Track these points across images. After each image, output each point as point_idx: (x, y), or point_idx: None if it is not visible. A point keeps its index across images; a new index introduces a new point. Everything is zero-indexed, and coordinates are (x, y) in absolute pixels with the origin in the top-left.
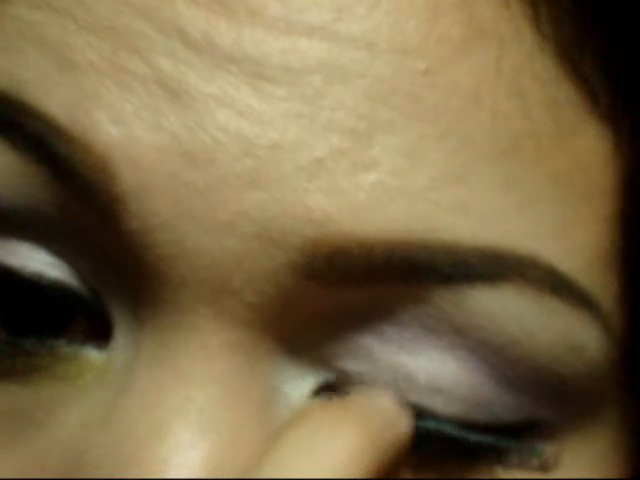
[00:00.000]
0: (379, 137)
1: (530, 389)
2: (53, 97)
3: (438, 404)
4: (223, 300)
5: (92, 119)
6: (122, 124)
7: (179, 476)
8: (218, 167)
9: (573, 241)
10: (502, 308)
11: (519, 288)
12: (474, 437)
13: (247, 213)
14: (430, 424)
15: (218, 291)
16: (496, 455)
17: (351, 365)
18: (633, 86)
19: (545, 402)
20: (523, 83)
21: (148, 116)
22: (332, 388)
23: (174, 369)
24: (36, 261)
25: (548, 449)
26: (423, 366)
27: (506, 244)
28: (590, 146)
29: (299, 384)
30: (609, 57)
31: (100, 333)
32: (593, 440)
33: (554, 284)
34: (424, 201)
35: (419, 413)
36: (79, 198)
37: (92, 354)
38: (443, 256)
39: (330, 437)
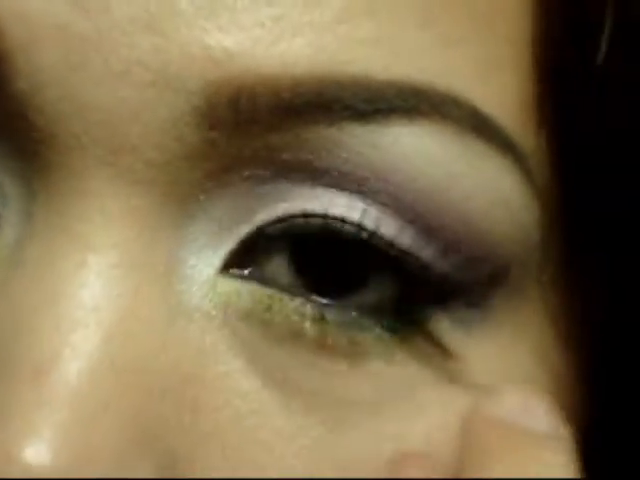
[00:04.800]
0: None
1: (458, 245)
2: None
3: None
4: (121, 159)
5: None
6: None
7: (75, 337)
8: (110, 13)
9: (497, 84)
10: (421, 147)
11: (439, 126)
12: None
13: (142, 59)
14: None
15: (115, 149)
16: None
17: (265, 220)
18: None
19: (471, 264)
20: None
21: None
22: (240, 257)
23: (69, 235)
24: None
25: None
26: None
27: (424, 79)
28: None
29: (209, 257)
30: None
31: None
32: (517, 324)
33: (477, 125)
34: (332, 34)
35: None
36: None
37: None
38: (355, 90)
39: None
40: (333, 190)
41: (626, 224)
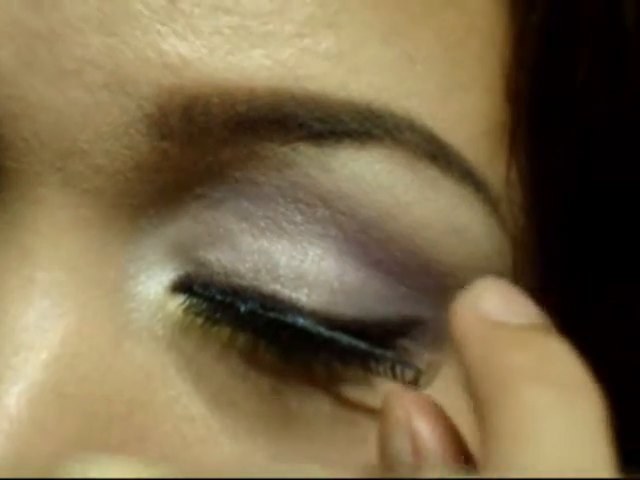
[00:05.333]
0: None
1: (406, 277)
2: None
3: (302, 294)
4: (70, 164)
5: None
6: None
7: (17, 360)
8: (63, 10)
9: (462, 107)
10: (371, 173)
11: (391, 152)
12: (344, 339)
13: (94, 60)
14: (297, 321)
15: (65, 154)
16: (367, 362)
17: (212, 254)
18: None
19: (425, 297)
20: None
21: None
22: (190, 281)
23: (20, 248)
24: None
25: (426, 359)
26: (286, 250)
27: (380, 100)
28: (483, 8)
29: (158, 274)
30: None
31: None
32: None
33: (432, 151)
34: (292, 47)
35: (284, 309)
36: None
37: None
38: (311, 109)
39: None
40: (277, 230)
41: (603, 262)
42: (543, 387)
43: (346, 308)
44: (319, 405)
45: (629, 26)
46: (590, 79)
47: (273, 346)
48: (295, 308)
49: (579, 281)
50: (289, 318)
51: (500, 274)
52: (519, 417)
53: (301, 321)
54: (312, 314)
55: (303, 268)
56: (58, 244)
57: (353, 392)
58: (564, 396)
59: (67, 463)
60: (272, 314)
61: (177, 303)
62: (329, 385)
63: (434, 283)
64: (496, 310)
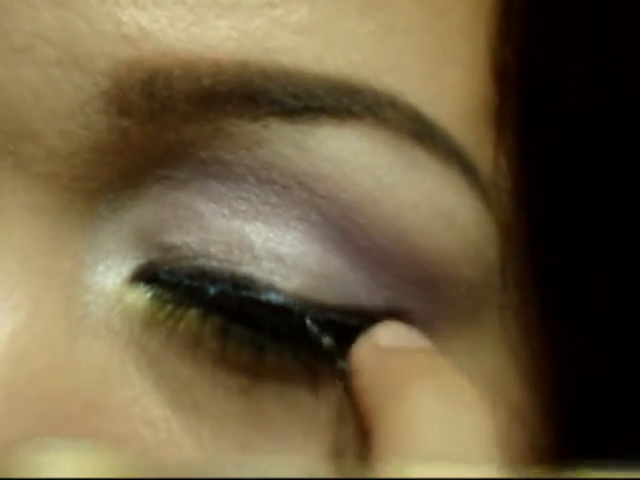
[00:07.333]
0: None
1: (390, 265)
2: None
3: (278, 277)
4: (22, 147)
5: None
6: None
7: None
8: None
9: (447, 82)
10: (351, 153)
11: (372, 130)
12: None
13: (47, 34)
14: (272, 300)
15: (15, 136)
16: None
17: (179, 237)
18: None
19: (411, 287)
20: None
21: None
22: (154, 269)
23: None
24: None
25: None
26: (261, 231)
27: (359, 75)
28: None
29: (117, 264)
30: None
31: None
32: (471, 352)
33: (417, 130)
34: (261, 18)
35: (259, 288)
36: None
37: None
38: (282, 83)
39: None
40: (251, 211)
41: (595, 251)
42: (432, 395)
43: (327, 295)
44: (295, 406)
45: (621, 3)
46: (579, 58)
47: (245, 338)
48: (271, 290)
49: (569, 271)
50: (264, 297)
51: (489, 264)
52: (404, 421)
53: (277, 300)
54: (290, 297)
55: (281, 250)
56: (9, 232)
57: (335, 390)
58: (452, 405)
59: (22, 450)
60: (245, 293)
61: (138, 294)
62: (307, 384)
63: (420, 273)
64: (388, 339)
